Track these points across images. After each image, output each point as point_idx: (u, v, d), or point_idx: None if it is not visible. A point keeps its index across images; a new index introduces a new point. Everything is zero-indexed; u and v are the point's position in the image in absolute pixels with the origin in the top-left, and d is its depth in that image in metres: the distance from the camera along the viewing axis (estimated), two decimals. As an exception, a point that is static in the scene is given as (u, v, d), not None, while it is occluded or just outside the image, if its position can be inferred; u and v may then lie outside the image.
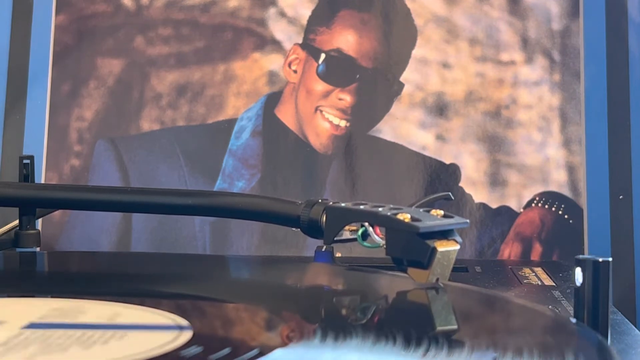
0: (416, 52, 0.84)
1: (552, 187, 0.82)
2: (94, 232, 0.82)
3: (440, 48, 0.84)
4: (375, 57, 0.84)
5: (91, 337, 0.42)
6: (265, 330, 0.46)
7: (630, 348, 0.51)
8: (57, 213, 0.82)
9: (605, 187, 0.82)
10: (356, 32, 0.84)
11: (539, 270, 0.72)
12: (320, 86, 0.83)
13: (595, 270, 0.45)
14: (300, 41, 0.85)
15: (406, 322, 0.46)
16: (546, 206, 0.82)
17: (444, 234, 0.50)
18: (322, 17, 0.85)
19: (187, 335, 0.42)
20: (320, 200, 0.56)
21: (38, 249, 0.70)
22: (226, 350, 0.40)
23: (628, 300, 0.81)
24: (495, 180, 0.82)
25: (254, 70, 0.85)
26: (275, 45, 0.85)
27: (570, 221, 0.82)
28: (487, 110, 0.83)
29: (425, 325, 0.46)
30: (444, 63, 0.84)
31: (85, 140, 0.84)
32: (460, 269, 0.71)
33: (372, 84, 0.83)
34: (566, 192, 0.82)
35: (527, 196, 0.82)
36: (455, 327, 0.46)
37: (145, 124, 0.84)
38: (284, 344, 0.42)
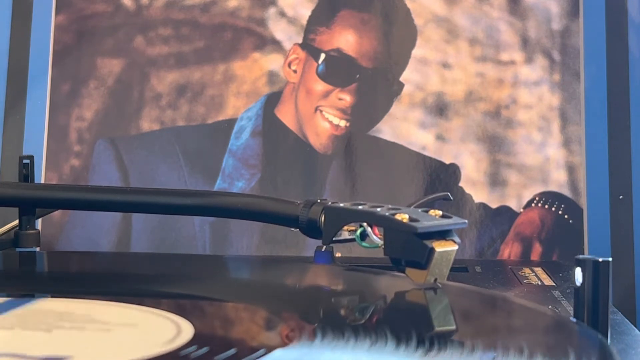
0: (416, 52, 0.84)
1: (552, 187, 0.82)
2: (94, 232, 0.82)
3: (440, 48, 0.84)
4: (375, 57, 0.84)
5: (91, 337, 0.42)
6: (264, 330, 0.46)
7: (630, 348, 0.51)
8: (57, 213, 0.82)
9: (605, 187, 0.82)
10: (356, 32, 0.84)
11: (539, 270, 0.72)
12: (320, 86, 0.83)
13: (595, 270, 0.45)
14: (300, 41, 0.85)
15: (404, 322, 0.45)
16: (546, 206, 0.82)
17: (442, 235, 0.50)
18: (322, 17, 0.85)
19: (187, 335, 0.42)
20: (319, 201, 0.56)
21: (38, 249, 0.70)
22: (225, 350, 0.40)
23: (628, 300, 0.81)
24: (495, 180, 0.82)
25: (254, 70, 0.85)
26: (275, 45, 0.85)
27: (570, 221, 0.82)
28: (487, 110, 0.83)
29: (424, 326, 0.46)
30: (444, 63, 0.84)
31: (85, 140, 0.84)
32: (460, 268, 0.71)
33: (372, 84, 0.83)
34: (566, 192, 0.82)
35: (527, 196, 0.82)
36: (453, 327, 0.46)
37: (145, 124, 0.84)
38: (283, 344, 0.42)
